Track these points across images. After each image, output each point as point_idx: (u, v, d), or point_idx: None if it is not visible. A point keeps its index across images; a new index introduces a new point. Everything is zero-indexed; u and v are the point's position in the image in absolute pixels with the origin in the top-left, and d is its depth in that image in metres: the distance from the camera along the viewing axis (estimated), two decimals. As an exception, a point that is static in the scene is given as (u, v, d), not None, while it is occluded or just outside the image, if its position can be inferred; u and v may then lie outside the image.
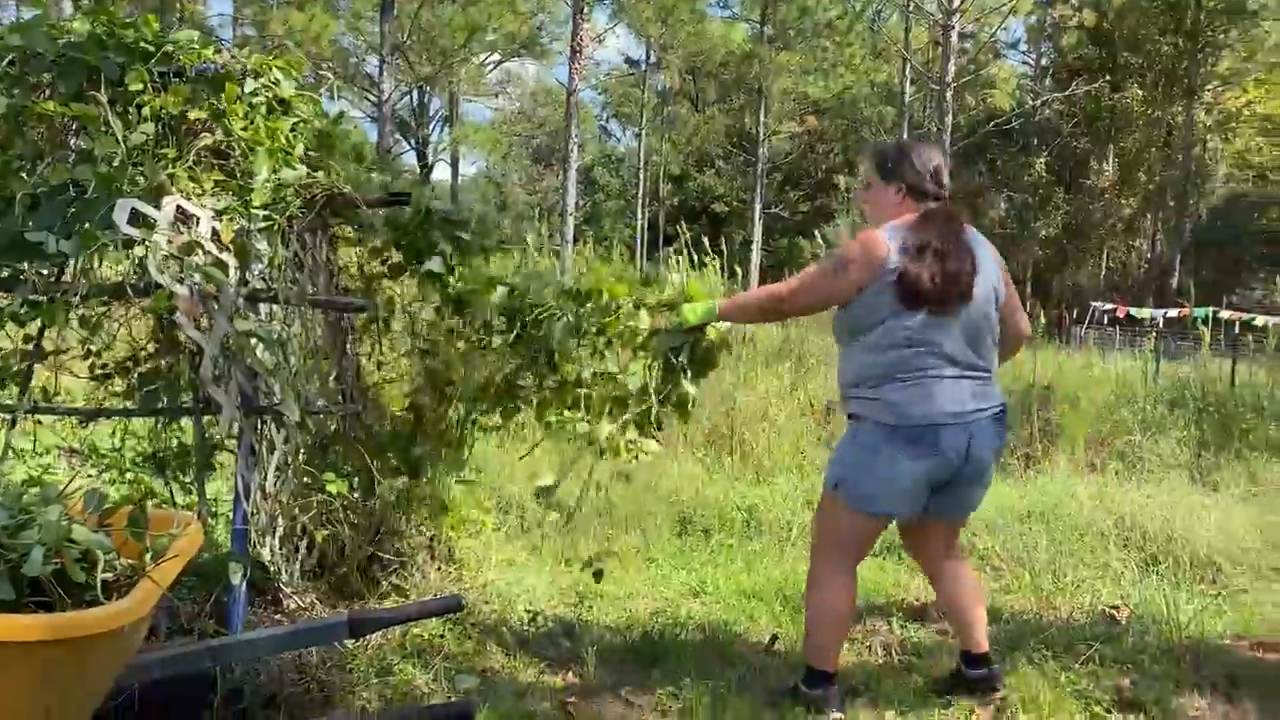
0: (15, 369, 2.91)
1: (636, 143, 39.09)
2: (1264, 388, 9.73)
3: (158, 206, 2.55)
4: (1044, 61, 41.57)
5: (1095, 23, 33.95)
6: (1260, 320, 17.98)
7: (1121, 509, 5.60)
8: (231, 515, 2.85)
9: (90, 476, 3.32)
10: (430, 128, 39.51)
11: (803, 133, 40.02)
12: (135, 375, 3.06)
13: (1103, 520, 5.47)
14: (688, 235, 10.70)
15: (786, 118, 39.09)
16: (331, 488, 3.09)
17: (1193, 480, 6.61)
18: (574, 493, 5.63)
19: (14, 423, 2.77)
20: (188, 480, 3.39)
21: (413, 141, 39.11)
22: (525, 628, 3.66)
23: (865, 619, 4.05)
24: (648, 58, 39.54)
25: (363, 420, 3.41)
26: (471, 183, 52.10)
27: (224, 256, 2.59)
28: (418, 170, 34.13)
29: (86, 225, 2.41)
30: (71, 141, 2.79)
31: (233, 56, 2.94)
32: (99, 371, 3.24)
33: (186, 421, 3.28)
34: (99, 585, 1.64)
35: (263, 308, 2.87)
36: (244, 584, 2.83)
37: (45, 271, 2.59)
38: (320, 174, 2.94)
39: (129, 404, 3.22)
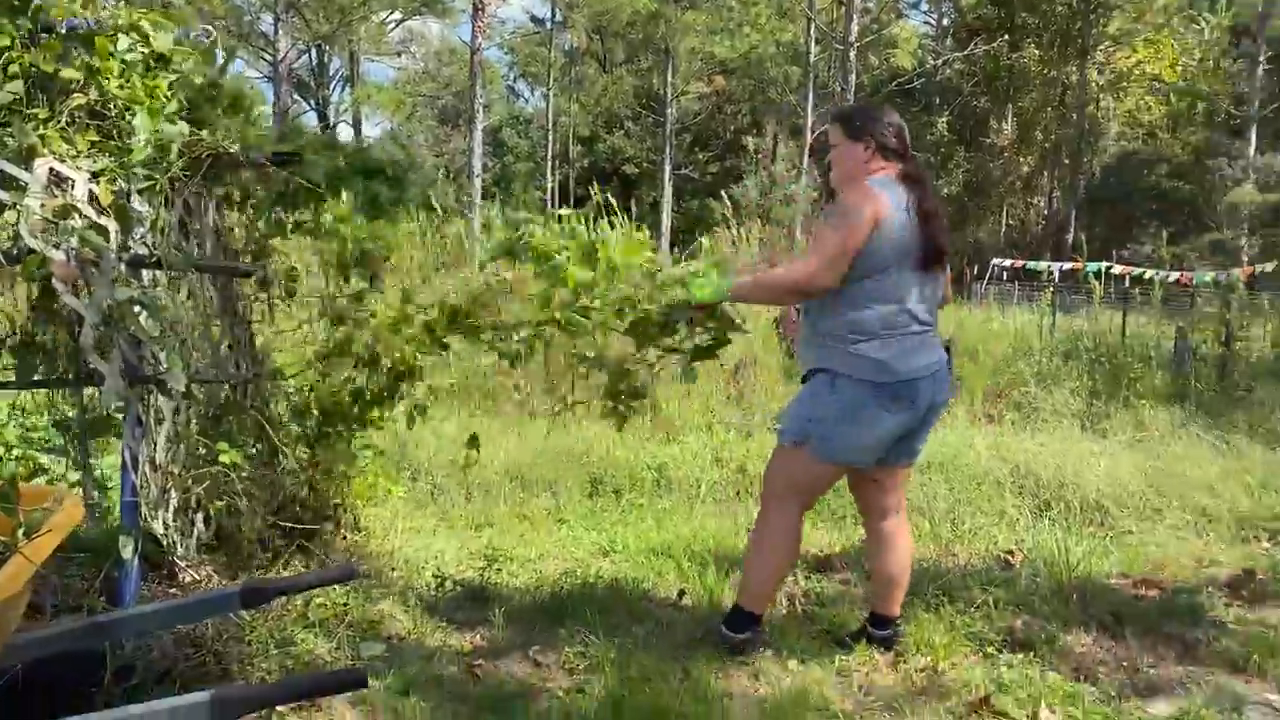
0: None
1: (545, 103, 38.64)
2: (1151, 339, 10.14)
3: (28, 169, 2.42)
4: (945, 21, 42.23)
5: (994, -18, 34.58)
6: (1149, 274, 18.70)
7: (1017, 458, 5.80)
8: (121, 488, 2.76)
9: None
10: (330, 88, 38.45)
11: (710, 93, 40.01)
12: (8, 346, 2.92)
13: (999, 469, 5.65)
14: (599, 197, 10.63)
15: (694, 78, 39.01)
16: (225, 458, 3.01)
17: (1083, 428, 6.86)
18: (487, 458, 5.68)
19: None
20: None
21: (313, 102, 38.00)
22: (433, 593, 3.63)
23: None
24: (553, 16, 39.00)
25: (260, 389, 3.32)
26: (376, 145, 50.87)
27: (103, 220, 2.48)
28: (319, 131, 33.18)
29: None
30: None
31: (105, 11, 2.80)
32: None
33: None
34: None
35: (146, 274, 2.76)
36: (135, 558, 2.74)
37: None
38: (205, 132, 2.83)
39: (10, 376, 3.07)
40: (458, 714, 2.65)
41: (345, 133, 39.50)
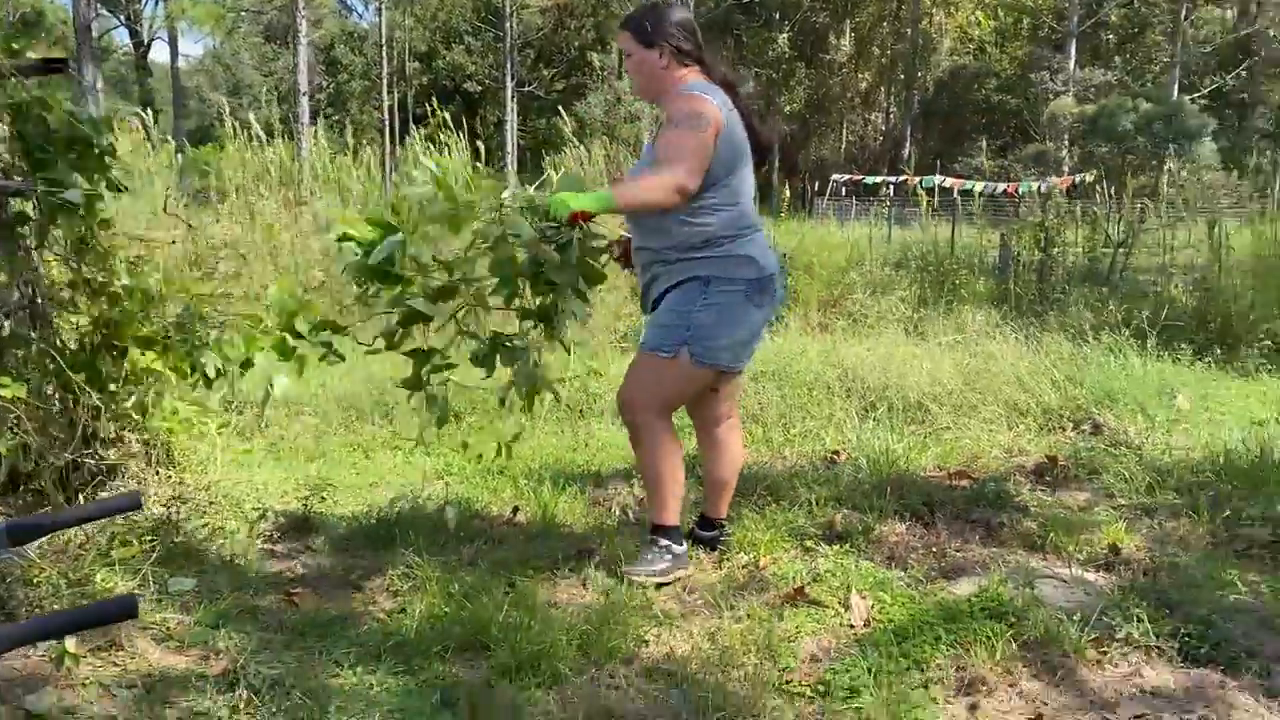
0: None
1: (378, 18, 36.97)
2: (975, 248, 10.61)
3: None
4: (784, -65, 42.28)
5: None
6: (978, 187, 19.50)
7: (846, 363, 6.00)
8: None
9: None
10: (142, 2, 35.70)
11: (552, 6, 39.07)
12: None
13: (829, 374, 5.84)
14: (440, 116, 10.25)
15: (534, -10, 38.04)
16: (5, 392, 2.79)
17: (907, 333, 7.13)
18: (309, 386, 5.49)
19: None
20: None
21: (122, 18, 35.23)
22: (253, 525, 3.51)
23: (607, 484, 4.17)
24: (384, -75, 37.12)
25: (42, 317, 3.09)
26: (198, 64, 47.84)
27: None
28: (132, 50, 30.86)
29: None
30: None
31: None
32: None
33: None
34: None
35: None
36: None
37: None
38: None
39: None
40: (271, 642, 2.58)
41: (161, 51, 36.86)
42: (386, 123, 20.94)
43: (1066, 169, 25.43)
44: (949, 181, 19.29)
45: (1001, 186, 19.77)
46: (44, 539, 2.72)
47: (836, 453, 4.58)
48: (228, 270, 7.01)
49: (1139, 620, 2.71)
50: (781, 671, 2.47)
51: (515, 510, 3.78)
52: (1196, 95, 29.97)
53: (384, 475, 4.41)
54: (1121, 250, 9.50)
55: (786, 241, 9.95)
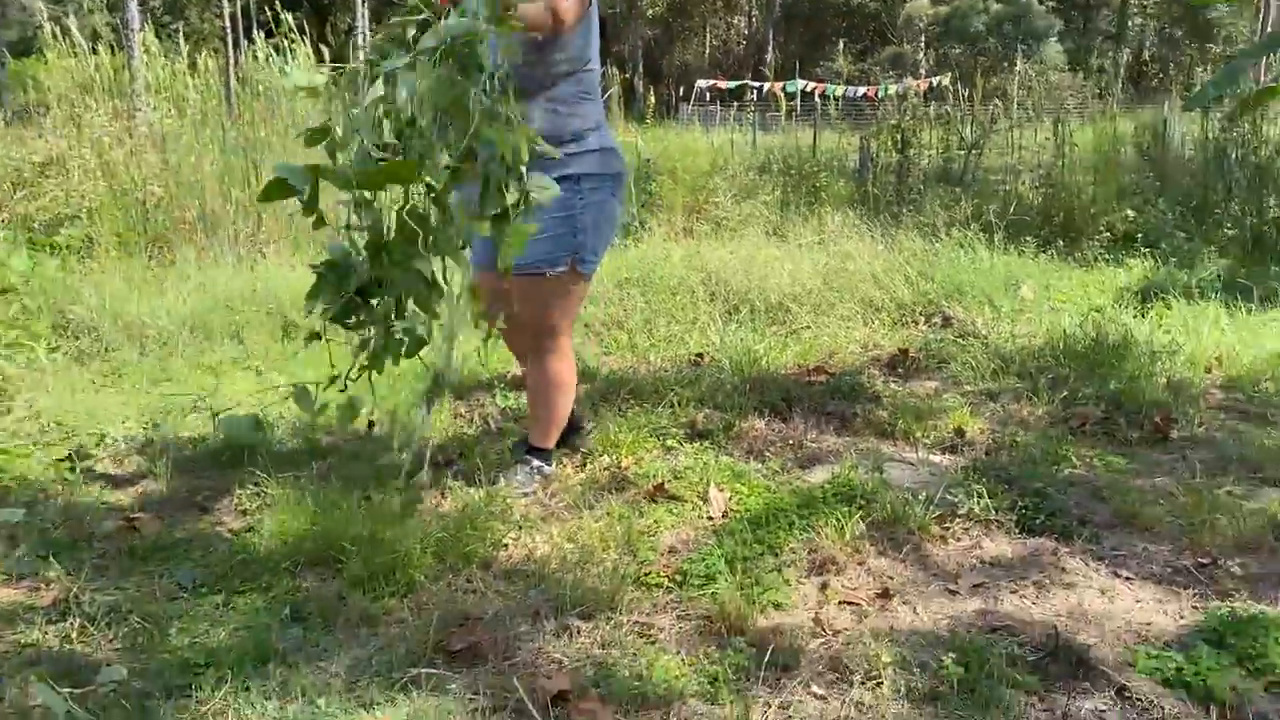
0: None
1: (216, -81, 34.54)
2: (836, 151, 10.73)
3: None
4: None
5: None
6: (839, 90, 19.70)
7: (710, 267, 6.02)
8: None
9: None
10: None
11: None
12: None
13: (693, 279, 5.86)
14: (286, 24, 9.67)
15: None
16: None
17: (769, 236, 7.20)
18: (157, 312, 5.21)
19: None
20: None
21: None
22: (91, 452, 3.33)
23: (471, 395, 4.10)
24: None
25: None
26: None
27: None
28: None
29: None
30: None
31: None
32: None
33: None
34: None
35: None
36: None
37: None
38: None
39: None
40: (108, 570, 2.47)
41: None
42: (229, 30, 19.68)
43: (923, 71, 25.90)
44: (811, 85, 19.43)
45: (862, 90, 20.04)
46: None
47: (700, 355, 4.61)
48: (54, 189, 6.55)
49: (979, 496, 2.84)
50: (640, 565, 2.50)
51: (371, 425, 3.67)
52: (1044, -2, 30.80)
53: (232, 398, 4.23)
54: (974, 151, 9.76)
55: (651, 148, 9.87)
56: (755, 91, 21.83)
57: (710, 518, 2.80)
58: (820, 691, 1.98)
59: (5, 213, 6.62)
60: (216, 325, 5.27)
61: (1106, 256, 6.62)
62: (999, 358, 4.30)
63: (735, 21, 40.20)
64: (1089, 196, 7.62)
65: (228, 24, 20.27)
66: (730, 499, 2.90)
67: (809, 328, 5.14)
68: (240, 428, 3.32)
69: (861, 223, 7.31)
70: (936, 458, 3.32)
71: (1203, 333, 4.58)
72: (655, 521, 2.77)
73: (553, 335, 2.98)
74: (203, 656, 2.06)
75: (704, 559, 2.48)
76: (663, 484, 2.98)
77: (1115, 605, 2.34)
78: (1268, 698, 1.95)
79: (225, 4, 22.18)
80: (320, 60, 8.94)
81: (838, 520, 2.63)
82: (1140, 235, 7.00)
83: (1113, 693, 1.97)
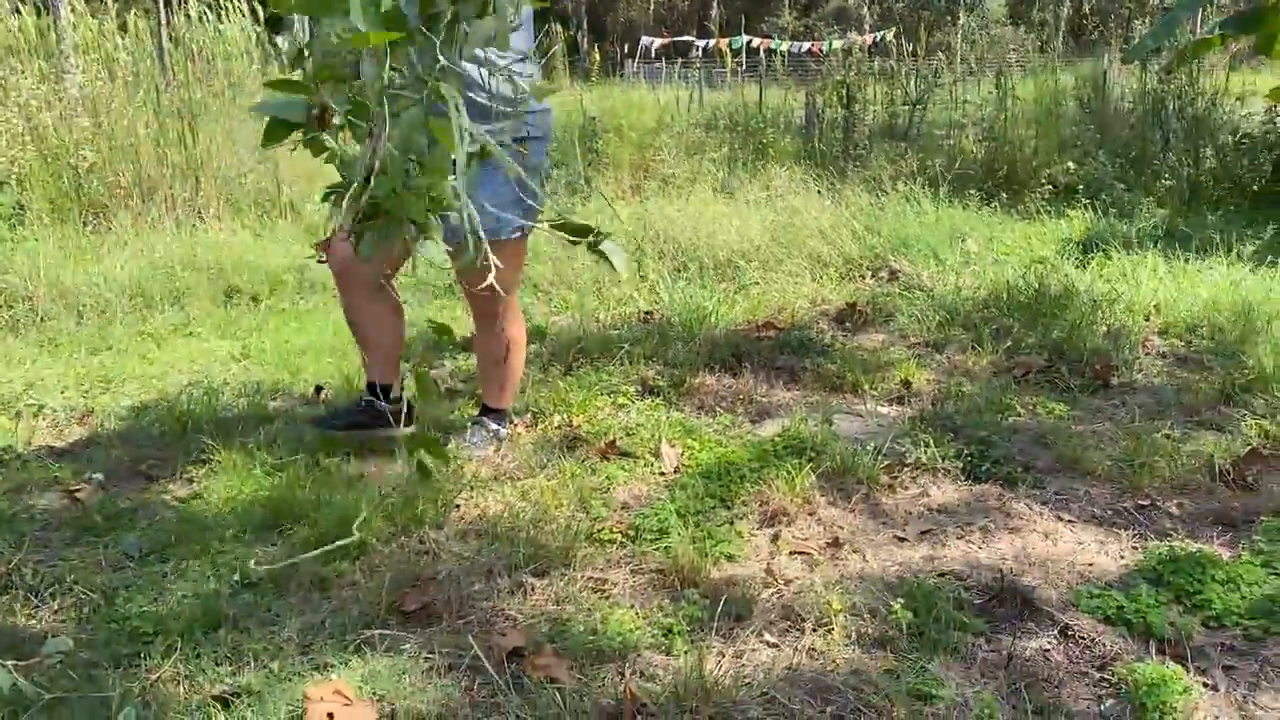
0: None
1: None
2: (782, 107, 10.71)
3: None
4: None
5: None
6: (784, 46, 19.64)
7: (658, 225, 6.00)
8: None
9: None
10: None
11: None
12: None
13: (641, 236, 5.84)
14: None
15: None
16: None
17: (716, 193, 7.19)
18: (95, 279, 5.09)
19: None
20: None
21: None
22: (28, 424, 3.25)
23: (416, 357, 4.06)
24: None
25: None
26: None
27: None
28: None
29: None
30: None
31: None
32: None
33: None
34: None
35: None
36: None
37: None
38: None
39: None
40: (51, 541, 2.42)
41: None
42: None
43: (868, 26, 25.90)
44: (756, 41, 19.34)
45: (806, 45, 19.99)
46: None
47: (649, 313, 4.61)
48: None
49: (926, 446, 2.88)
50: (594, 521, 2.50)
51: (319, 389, 3.63)
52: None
53: (174, 364, 4.16)
54: (918, 106, 9.80)
55: (597, 106, 9.78)
56: (700, 49, 21.68)
57: (662, 473, 2.81)
58: (773, 640, 2.00)
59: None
60: (156, 292, 5.17)
61: (1048, 208, 6.70)
62: (944, 310, 4.34)
63: (680, -23, 39.85)
64: (1031, 149, 7.70)
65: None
66: (682, 454, 2.91)
67: (757, 284, 5.16)
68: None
69: (808, 178, 7.33)
70: (884, 409, 3.36)
71: (1142, 282, 4.67)
72: (608, 478, 2.77)
73: (509, 302, 2.99)
74: (151, 625, 2.03)
75: (656, 514, 2.49)
76: (614, 441, 2.98)
77: (1058, 548, 2.39)
78: (1205, 632, 2.01)
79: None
80: (256, 23, 8.71)
81: (788, 472, 2.66)
82: (1081, 187, 7.10)
83: (1056, 632, 2.02)
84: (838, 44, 19.65)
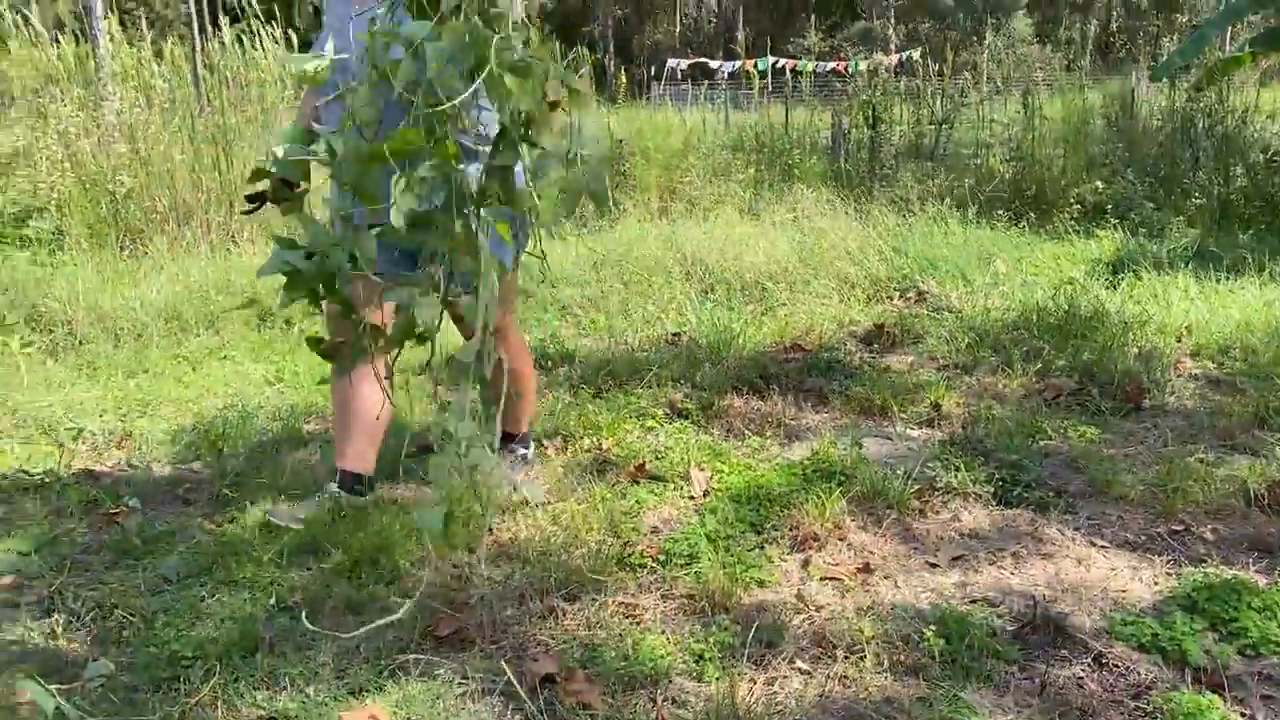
0: None
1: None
2: (808, 128, 10.73)
3: None
4: None
5: None
6: (810, 66, 19.67)
7: (686, 248, 6.03)
8: None
9: None
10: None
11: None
12: None
13: (669, 259, 5.87)
14: (254, 9, 9.55)
15: None
16: None
17: (743, 214, 7.21)
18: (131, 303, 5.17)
19: None
20: None
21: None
22: (69, 447, 3.31)
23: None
24: None
25: None
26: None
27: None
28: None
29: None
30: None
31: None
32: None
33: None
34: None
35: None
36: None
37: None
38: None
39: None
40: (92, 565, 2.46)
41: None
42: (194, 15, 19.37)
43: (893, 46, 25.92)
44: (782, 62, 19.39)
45: (832, 65, 20.02)
46: None
47: (678, 334, 4.62)
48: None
49: (957, 470, 2.87)
50: (624, 545, 2.51)
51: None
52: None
53: (210, 387, 4.22)
54: (945, 126, 9.79)
55: (624, 128, 9.84)
56: (727, 70, 21.78)
57: (692, 497, 2.82)
58: (805, 666, 2.01)
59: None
60: (191, 316, 5.24)
61: (1077, 228, 6.67)
62: (973, 331, 4.33)
63: (706, 0, 40.07)
64: (1059, 169, 7.68)
65: (192, 9, 19.93)
66: (711, 478, 2.92)
67: (785, 305, 5.17)
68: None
69: (835, 199, 7.34)
70: (914, 432, 3.35)
71: (1173, 302, 4.64)
72: (637, 502, 2.79)
73: (510, 325, 2.99)
74: (190, 649, 2.06)
75: (687, 538, 2.50)
76: (644, 464, 2.99)
77: (1091, 573, 2.38)
78: (1241, 660, 1.99)
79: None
80: (289, 46, 8.84)
81: (818, 496, 2.66)
82: (1110, 206, 7.06)
83: (1090, 659, 2.01)
84: (863, 64, 19.71)
